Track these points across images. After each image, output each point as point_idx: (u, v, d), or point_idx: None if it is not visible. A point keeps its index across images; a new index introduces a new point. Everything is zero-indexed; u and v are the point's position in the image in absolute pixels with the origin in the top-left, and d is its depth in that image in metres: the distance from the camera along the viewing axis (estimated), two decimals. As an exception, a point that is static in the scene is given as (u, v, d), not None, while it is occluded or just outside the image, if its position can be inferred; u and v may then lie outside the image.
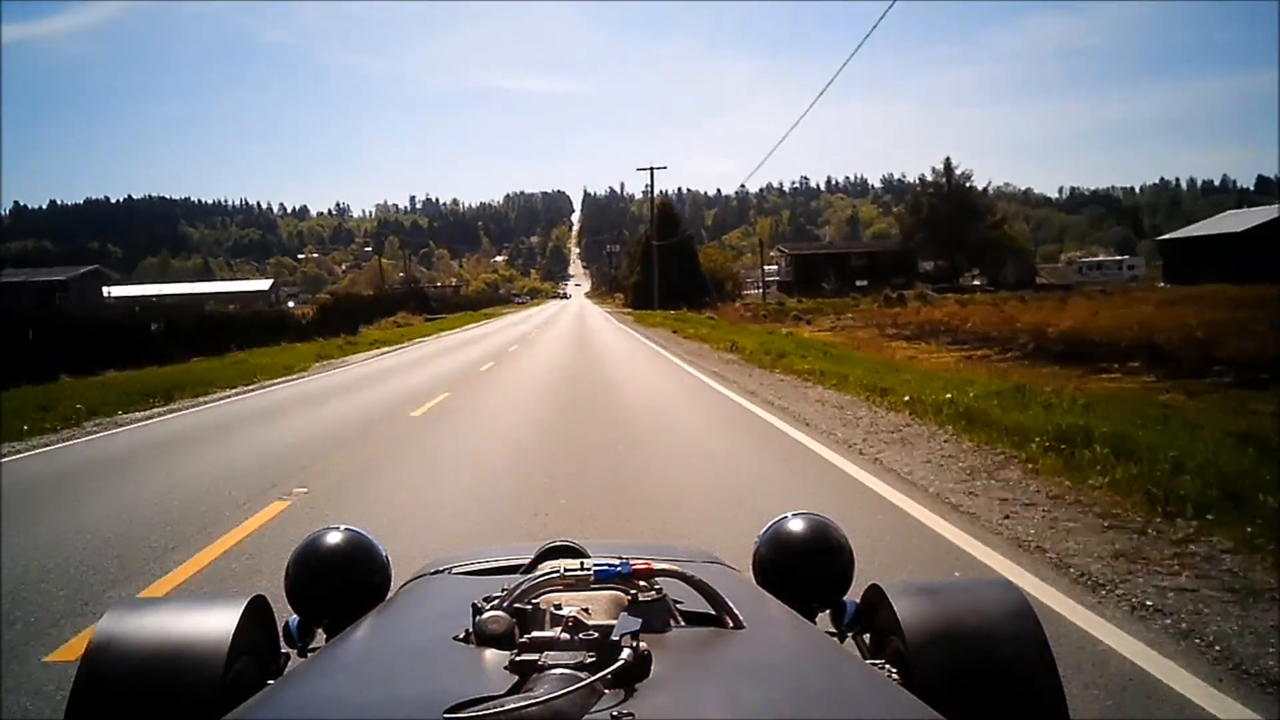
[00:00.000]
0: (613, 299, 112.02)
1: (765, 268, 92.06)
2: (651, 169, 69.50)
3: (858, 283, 68.69)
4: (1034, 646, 1.37)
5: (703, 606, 1.17)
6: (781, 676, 1.03)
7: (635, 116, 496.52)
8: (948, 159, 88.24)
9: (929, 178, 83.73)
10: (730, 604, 1.16)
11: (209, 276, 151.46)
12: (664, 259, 62.75)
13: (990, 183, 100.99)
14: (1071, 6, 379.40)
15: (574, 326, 43.64)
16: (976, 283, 72.70)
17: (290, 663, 1.59)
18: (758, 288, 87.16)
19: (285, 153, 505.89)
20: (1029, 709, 1.33)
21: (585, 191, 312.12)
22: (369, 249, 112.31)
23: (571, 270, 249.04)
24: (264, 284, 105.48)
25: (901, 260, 77.08)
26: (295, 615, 1.65)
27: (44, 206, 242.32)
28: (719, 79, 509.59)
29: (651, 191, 73.67)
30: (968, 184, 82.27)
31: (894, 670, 1.37)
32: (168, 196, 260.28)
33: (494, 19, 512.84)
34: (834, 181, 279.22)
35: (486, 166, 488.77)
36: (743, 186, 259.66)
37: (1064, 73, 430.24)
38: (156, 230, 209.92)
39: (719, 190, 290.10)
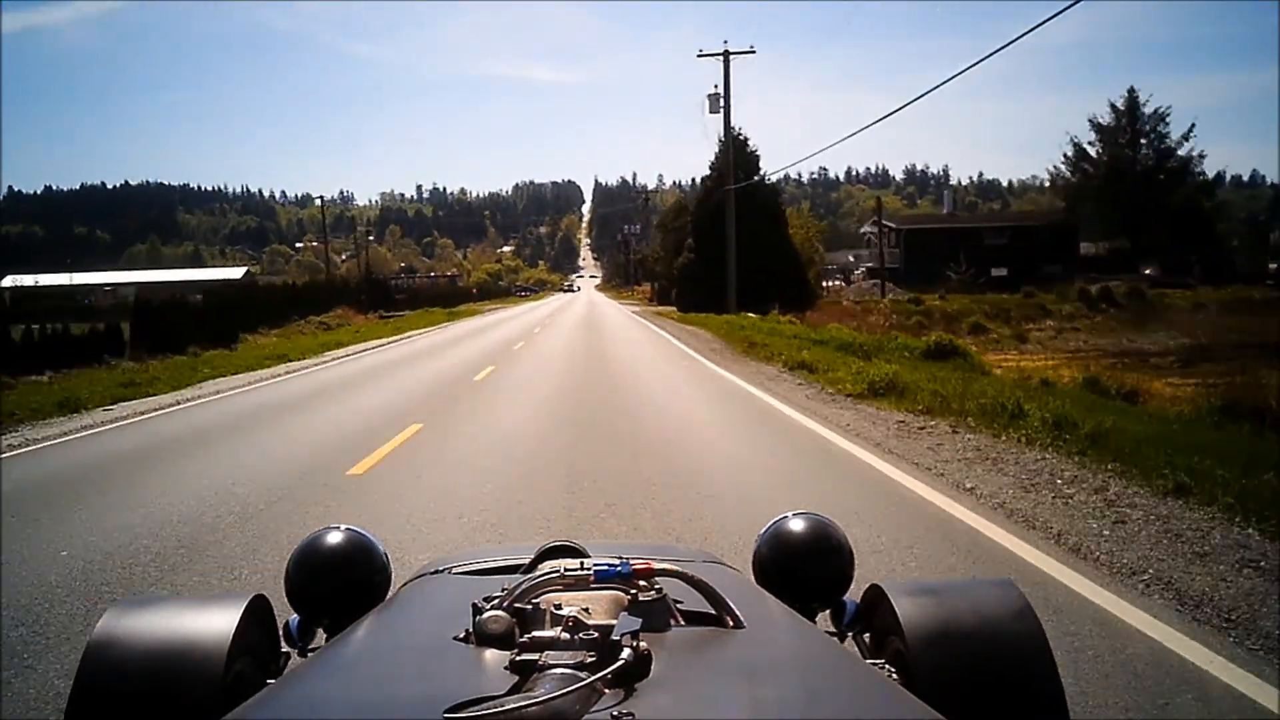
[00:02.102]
0: (631, 293, 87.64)
1: (850, 253, 71.56)
2: (726, 54, 35.99)
3: (993, 271, 49.44)
4: (1034, 646, 1.36)
5: (703, 606, 1.16)
6: (782, 676, 1.02)
7: (645, 105, 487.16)
8: (1131, 89, 56.74)
9: (1102, 120, 56.37)
10: (730, 604, 1.15)
11: (199, 264, 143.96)
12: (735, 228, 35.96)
13: (1193, 127, 61.28)
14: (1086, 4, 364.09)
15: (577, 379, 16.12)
16: (1148, 273, 49.95)
17: (290, 663, 1.56)
18: (841, 276, 65.52)
19: (288, 141, 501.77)
20: (1029, 709, 1.32)
21: (596, 181, 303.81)
22: (371, 237, 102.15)
23: (581, 261, 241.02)
24: (235, 272, 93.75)
25: (1057, 239, 52.90)
26: (295, 615, 1.62)
27: (38, 192, 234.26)
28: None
29: (726, 94, 36.78)
30: (1162, 127, 54.25)
31: (894, 670, 1.36)
32: (165, 183, 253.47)
33: (501, 6, 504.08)
34: (854, 172, 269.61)
35: (495, 156, 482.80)
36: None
37: (1078, 65, 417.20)
38: (150, 217, 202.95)
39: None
